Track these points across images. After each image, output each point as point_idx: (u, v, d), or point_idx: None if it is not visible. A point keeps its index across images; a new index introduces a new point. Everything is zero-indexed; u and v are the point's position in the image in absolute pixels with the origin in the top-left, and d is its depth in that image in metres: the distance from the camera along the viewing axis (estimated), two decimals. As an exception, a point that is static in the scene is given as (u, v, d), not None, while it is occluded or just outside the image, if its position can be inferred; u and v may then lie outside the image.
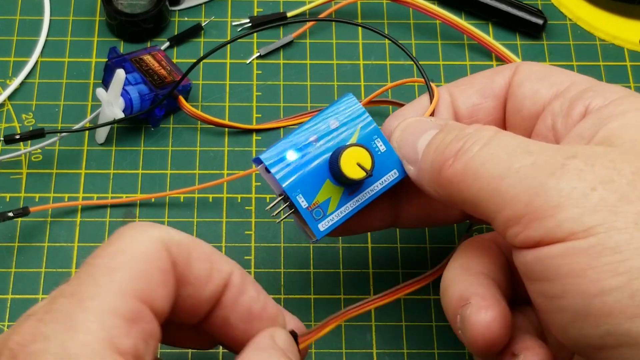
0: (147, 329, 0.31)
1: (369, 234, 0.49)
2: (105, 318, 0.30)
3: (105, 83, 0.50)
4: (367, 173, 0.37)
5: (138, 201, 0.49)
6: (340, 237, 0.48)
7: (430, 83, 0.41)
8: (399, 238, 0.49)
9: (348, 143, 0.39)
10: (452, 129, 0.36)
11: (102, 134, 0.51)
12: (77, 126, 0.51)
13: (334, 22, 0.56)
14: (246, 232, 0.49)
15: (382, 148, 0.39)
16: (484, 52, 0.55)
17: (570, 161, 0.32)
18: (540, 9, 0.56)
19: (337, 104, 0.39)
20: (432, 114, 0.40)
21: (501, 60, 0.55)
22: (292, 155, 0.38)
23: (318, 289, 0.47)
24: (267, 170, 0.38)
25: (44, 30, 0.55)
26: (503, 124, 0.41)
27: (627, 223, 0.30)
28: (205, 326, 0.35)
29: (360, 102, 0.40)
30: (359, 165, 0.37)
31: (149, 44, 0.54)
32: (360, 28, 0.56)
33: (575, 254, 0.31)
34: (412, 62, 0.55)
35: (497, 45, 0.54)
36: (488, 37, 0.54)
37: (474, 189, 0.34)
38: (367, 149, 0.37)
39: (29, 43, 0.55)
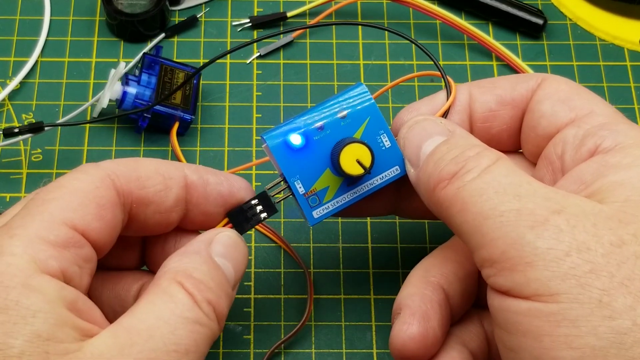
0: (80, 254, 0.33)
1: (369, 233, 0.49)
2: (31, 243, 0.32)
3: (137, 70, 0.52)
4: (365, 170, 0.37)
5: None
6: (340, 237, 0.48)
7: (449, 79, 0.41)
8: (399, 238, 0.49)
9: (353, 136, 0.39)
10: (457, 145, 0.36)
11: (105, 100, 0.50)
12: (68, 117, 0.51)
13: (333, 22, 0.56)
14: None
15: (387, 144, 0.39)
16: (484, 52, 0.55)
17: (554, 217, 0.32)
18: (540, 9, 0.56)
19: (349, 93, 0.39)
20: (446, 113, 0.40)
21: (501, 60, 0.55)
22: (296, 139, 0.38)
23: (318, 289, 0.47)
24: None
25: (44, 30, 0.55)
26: (518, 135, 0.41)
27: (591, 298, 0.30)
28: (189, 226, 0.38)
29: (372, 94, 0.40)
30: (358, 162, 0.37)
31: (149, 44, 0.54)
32: (360, 27, 0.56)
33: (536, 316, 0.31)
34: (412, 63, 0.55)
35: (497, 45, 0.54)
36: (488, 37, 0.54)
37: (459, 219, 0.34)
38: (368, 147, 0.37)
39: (29, 43, 0.55)
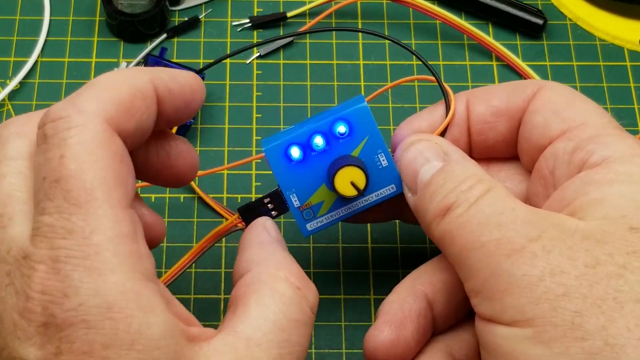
0: (140, 231, 0.32)
1: (369, 233, 0.49)
2: (119, 247, 0.30)
3: None
4: (359, 192, 0.38)
5: (138, 201, 0.49)
6: (340, 237, 0.48)
7: (449, 92, 0.40)
8: (399, 238, 0.49)
9: (350, 154, 0.39)
10: (452, 175, 0.36)
11: None
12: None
13: (333, 22, 0.56)
14: (246, 232, 0.49)
15: (385, 163, 0.39)
16: (484, 52, 0.55)
17: (530, 244, 0.32)
18: (540, 9, 0.56)
19: (350, 107, 0.39)
20: (444, 131, 0.40)
21: (501, 60, 0.55)
22: (295, 152, 0.38)
23: (318, 288, 0.47)
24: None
25: (44, 30, 0.55)
26: (515, 145, 0.40)
27: (564, 320, 0.31)
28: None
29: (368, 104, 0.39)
30: (352, 184, 0.37)
31: (149, 44, 0.54)
32: (360, 26, 0.56)
33: (513, 340, 0.32)
34: (412, 62, 0.55)
35: (497, 45, 0.54)
36: (488, 37, 0.54)
37: (449, 252, 0.35)
38: (363, 170, 0.37)
39: (29, 43, 0.55)
